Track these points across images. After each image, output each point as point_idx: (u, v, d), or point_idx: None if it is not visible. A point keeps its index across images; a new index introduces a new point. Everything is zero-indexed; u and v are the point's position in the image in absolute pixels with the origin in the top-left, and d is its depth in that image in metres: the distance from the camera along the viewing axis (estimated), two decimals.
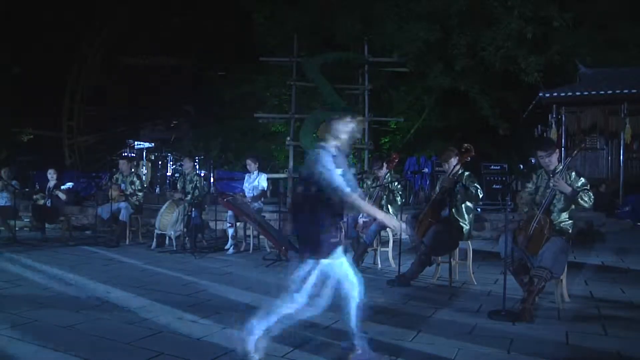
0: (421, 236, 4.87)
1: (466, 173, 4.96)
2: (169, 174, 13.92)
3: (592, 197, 3.92)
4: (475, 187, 4.80)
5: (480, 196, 4.86)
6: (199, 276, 5.24)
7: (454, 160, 4.99)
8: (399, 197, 5.82)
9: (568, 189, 3.87)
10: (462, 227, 4.89)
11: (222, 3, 18.36)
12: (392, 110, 15.00)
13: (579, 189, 3.90)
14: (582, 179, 4.01)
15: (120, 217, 7.44)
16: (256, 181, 7.49)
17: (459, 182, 4.87)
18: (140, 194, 7.84)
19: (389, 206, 5.84)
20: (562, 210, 4.04)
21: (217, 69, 20.00)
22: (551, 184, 3.94)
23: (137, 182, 7.86)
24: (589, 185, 4.01)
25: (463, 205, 4.93)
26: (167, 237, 7.33)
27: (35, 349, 2.96)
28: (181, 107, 21.39)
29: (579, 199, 3.87)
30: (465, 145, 5.05)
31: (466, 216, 4.92)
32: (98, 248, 7.16)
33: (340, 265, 2.82)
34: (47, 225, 8.09)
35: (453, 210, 4.91)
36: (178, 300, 4.19)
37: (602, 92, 12.62)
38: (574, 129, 12.94)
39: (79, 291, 4.49)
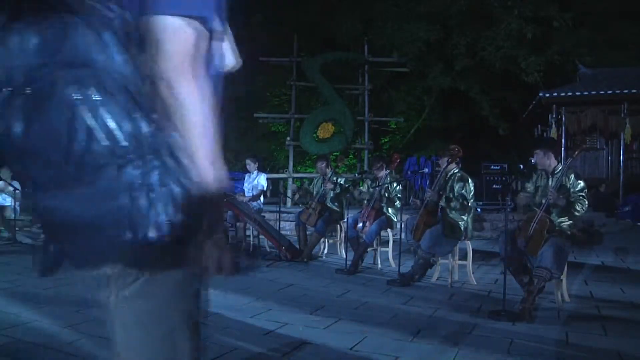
0: (418, 239, 4.88)
1: (458, 175, 4.95)
2: None
3: (586, 204, 3.97)
4: (462, 195, 4.79)
5: (469, 203, 4.84)
6: None
7: (445, 161, 5.01)
8: (398, 201, 5.83)
9: (563, 202, 3.91)
10: (459, 227, 4.88)
11: None
12: (392, 110, 15.01)
13: (573, 199, 3.92)
14: (580, 182, 4.02)
15: None
16: (255, 181, 7.50)
17: (444, 194, 4.89)
18: None
19: (389, 209, 5.85)
20: (562, 211, 4.04)
21: None
22: (545, 200, 3.95)
23: None
24: (586, 190, 4.03)
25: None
26: None
27: (36, 348, 2.96)
28: None
29: (572, 210, 3.92)
30: (451, 146, 5.07)
31: (463, 216, 4.91)
32: None
33: None
34: None
35: (448, 211, 4.90)
36: None
37: (602, 92, 12.64)
38: (574, 129, 12.95)
39: (79, 291, 4.49)
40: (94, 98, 0.77)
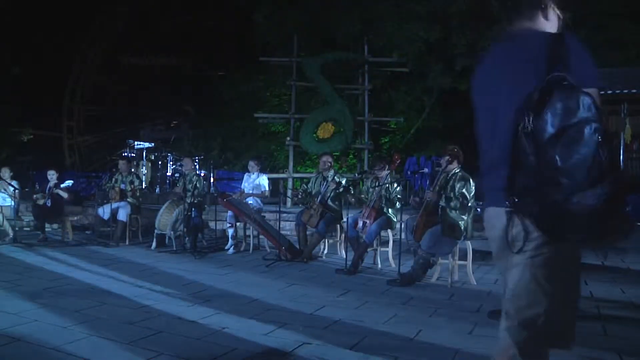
0: (418, 240, 4.88)
1: (459, 174, 4.96)
2: (169, 174, 13.92)
3: None
4: (463, 194, 4.80)
5: (469, 203, 4.83)
6: (199, 276, 5.24)
7: (444, 162, 5.02)
8: (398, 202, 5.83)
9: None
10: (459, 226, 4.88)
11: (222, 3, 18.38)
12: (392, 110, 14.99)
13: None
14: None
15: (118, 217, 7.44)
16: (257, 181, 7.51)
17: (444, 194, 4.90)
18: (139, 188, 7.91)
19: (389, 209, 5.84)
20: None
21: (217, 69, 20.01)
22: None
23: (137, 182, 7.91)
24: None
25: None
26: (167, 237, 7.33)
27: (36, 348, 2.96)
28: (181, 107, 21.40)
29: None
30: (450, 146, 5.09)
31: (463, 216, 4.91)
32: (98, 248, 7.16)
33: None
34: (47, 225, 8.09)
35: (448, 210, 4.91)
36: (178, 300, 4.20)
37: (602, 92, 12.58)
38: None
39: (79, 291, 4.49)
40: (600, 139, 1.39)
